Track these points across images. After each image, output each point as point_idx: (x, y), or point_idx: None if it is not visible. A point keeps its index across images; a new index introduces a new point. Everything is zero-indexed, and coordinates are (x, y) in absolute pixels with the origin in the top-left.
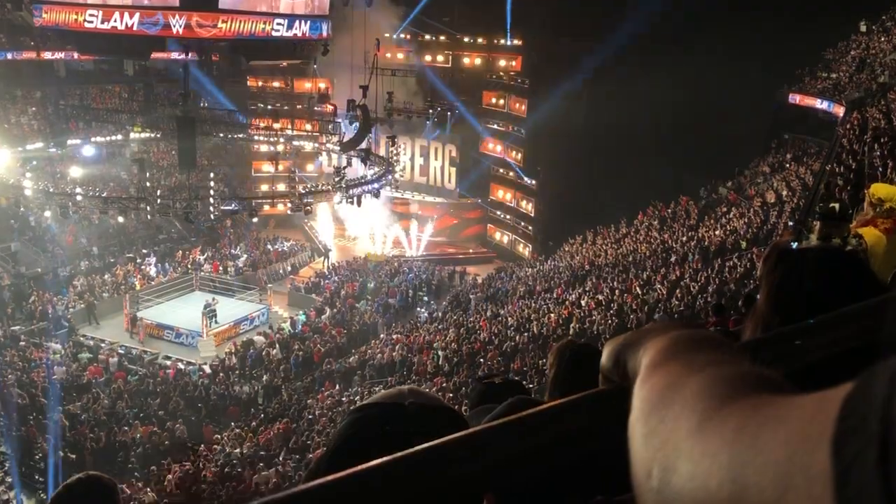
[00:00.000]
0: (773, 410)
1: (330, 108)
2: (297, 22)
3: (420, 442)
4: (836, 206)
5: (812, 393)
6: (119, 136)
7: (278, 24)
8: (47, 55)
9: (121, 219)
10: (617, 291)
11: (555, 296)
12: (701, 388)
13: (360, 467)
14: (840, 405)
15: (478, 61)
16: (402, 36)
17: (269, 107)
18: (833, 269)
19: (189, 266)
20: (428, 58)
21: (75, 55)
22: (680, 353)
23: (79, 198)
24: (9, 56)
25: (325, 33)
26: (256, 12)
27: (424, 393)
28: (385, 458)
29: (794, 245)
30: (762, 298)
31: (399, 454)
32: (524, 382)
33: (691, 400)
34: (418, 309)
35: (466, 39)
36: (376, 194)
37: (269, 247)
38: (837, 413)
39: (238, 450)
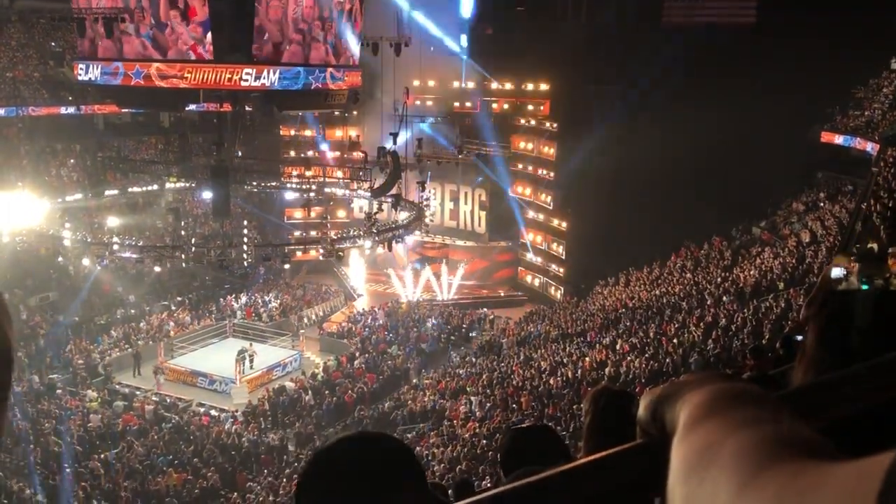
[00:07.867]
0: (812, 478)
1: (360, 155)
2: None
3: None
4: (875, 245)
5: (852, 461)
6: (155, 186)
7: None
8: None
9: (157, 268)
10: (652, 334)
11: (588, 339)
12: (740, 450)
13: None
14: (882, 478)
15: (506, 106)
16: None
17: (301, 155)
18: (884, 308)
19: (223, 313)
20: (456, 104)
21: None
22: (718, 409)
23: (115, 247)
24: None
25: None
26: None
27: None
28: None
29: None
30: (811, 340)
31: None
32: (558, 428)
33: (730, 463)
34: (450, 353)
35: (495, 85)
36: (406, 239)
37: (301, 293)
38: (879, 487)
39: (272, 498)
